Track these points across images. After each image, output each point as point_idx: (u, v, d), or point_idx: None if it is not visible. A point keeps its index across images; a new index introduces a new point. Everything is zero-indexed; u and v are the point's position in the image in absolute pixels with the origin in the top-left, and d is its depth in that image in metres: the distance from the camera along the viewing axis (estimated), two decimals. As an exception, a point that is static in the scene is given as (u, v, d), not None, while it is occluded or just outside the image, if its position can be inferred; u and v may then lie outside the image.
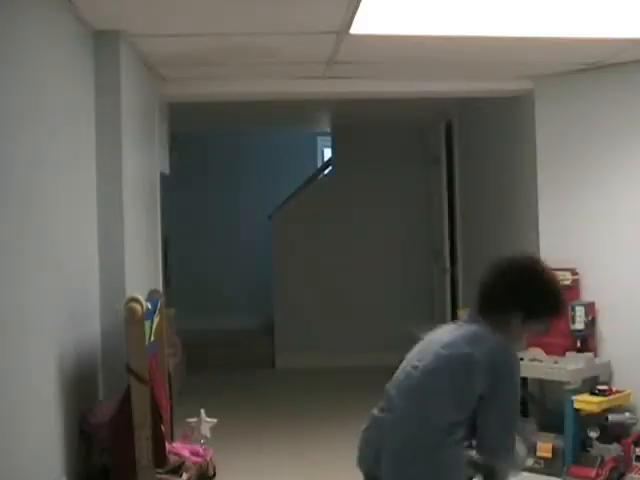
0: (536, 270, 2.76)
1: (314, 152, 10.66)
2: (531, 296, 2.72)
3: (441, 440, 2.62)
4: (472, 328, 2.74)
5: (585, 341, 5.10)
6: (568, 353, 5.08)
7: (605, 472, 4.66)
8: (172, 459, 4.01)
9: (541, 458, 4.93)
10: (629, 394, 4.94)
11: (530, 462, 4.97)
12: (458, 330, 2.77)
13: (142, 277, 4.58)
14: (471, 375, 2.63)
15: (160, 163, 5.54)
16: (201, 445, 4.52)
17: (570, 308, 5.10)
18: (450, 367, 2.66)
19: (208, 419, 4.67)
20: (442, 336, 2.77)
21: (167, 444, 3.87)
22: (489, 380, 2.61)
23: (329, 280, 8.65)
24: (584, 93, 5.29)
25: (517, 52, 4.78)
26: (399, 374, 2.80)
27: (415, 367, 2.73)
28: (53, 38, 3.52)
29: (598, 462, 4.69)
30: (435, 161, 8.05)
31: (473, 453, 2.68)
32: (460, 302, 7.14)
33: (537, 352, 5.24)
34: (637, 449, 4.69)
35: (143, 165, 4.81)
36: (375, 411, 2.83)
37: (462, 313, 6.30)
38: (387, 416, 2.75)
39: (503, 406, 2.64)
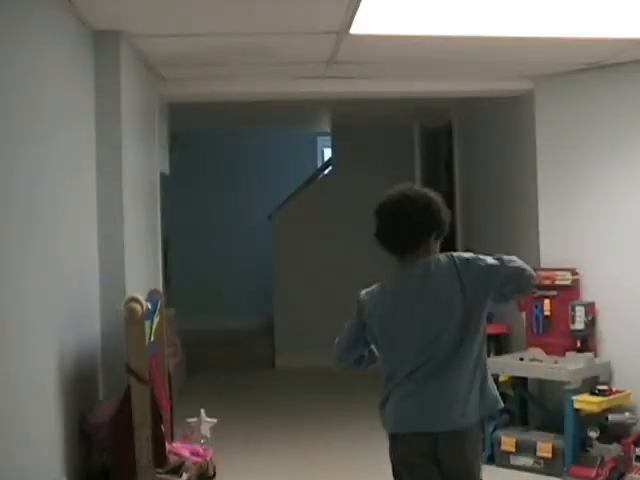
0: (427, 193, 2.93)
1: (314, 152, 10.65)
2: (438, 215, 2.89)
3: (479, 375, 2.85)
4: (419, 269, 2.87)
5: (585, 341, 5.10)
6: (568, 353, 5.09)
7: (605, 472, 4.66)
8: (172, 459, 4.01)
9: (541, 458, 4.93)
10: (629, 394, 4.94)
11: (530, 462, 4.98)
12: (417, 279, 2.87)
13: (142, 277, 4.58)
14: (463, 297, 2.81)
15: (160, 163, 5.54)
16: (201, 445, 4.52)
17: (570, 308, 5.11)
18: (458, 314, 2.80)
19: (208, 419, 4.67)
20: (420, 297, 2.85)
21: (167, 444, 3.87)
22: (474, 281, 2.82)
23: (329, 280, 8.65)
24: (584, 93, 5.30)
25: (517, 52, 4.78)
26: (410, 347, 2.84)
27: (434, 338, 2.81)
28: (53, 38, 3.52)
29: (598, 462, 4.69)
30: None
31: None
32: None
33: (537, 352, 5.24)
34: (637, 449, 4.69)
35: (143, 165, 4.81)
36: (408, 385, 2.85)
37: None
38: (432, 384, 2.81)
39: (492, 266, 2.83)
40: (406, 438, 2.85)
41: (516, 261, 2.85)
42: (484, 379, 2.86)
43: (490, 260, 2.84)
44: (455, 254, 2.88)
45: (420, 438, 2.83)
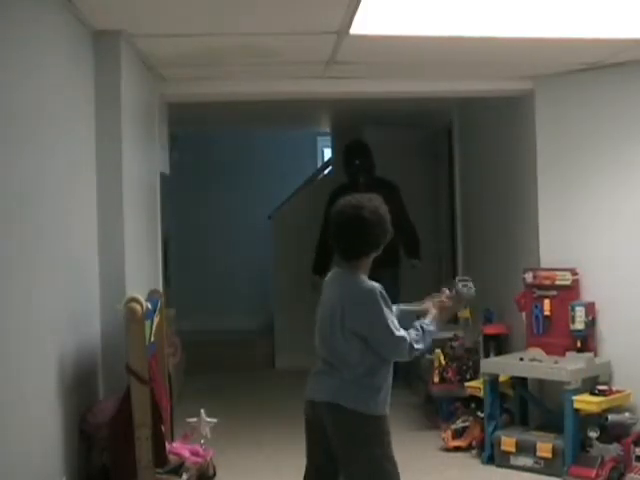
0: (356, 214, 3.17)
1: (314, 152, 10.66)
2: (368, 237, 3.20)
3: None
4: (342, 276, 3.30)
5: (585, 341, 5.10)
6: (568, 353, 5.08)
7: (605, 472, 4.66)
8: (172, 459, 4.01)
9: (541, 458, 4.93)
10: (629, 394, 4.94)
11: (530, 462, 4.98)
12: (337, 283, 3.31)
13: (142, 277, 4.58)
14: None
15: (160, 163, 5.54)
16: (201, 445, 4.52)
17: (570, 308, 5.11)
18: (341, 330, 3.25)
19: (208, 419, 4.67)
20: (330, 298, 3.30)
21: (167, 444, 3.87)
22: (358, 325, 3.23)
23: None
24: (584, 93, 5.30)
25: (517, 52, 4.78)
26: None
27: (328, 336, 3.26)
28: (53, 38, 3.52)
29: (598, 462, 4.69)
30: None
31: None
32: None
33: (537, 352, 5.24)
34: (637, 449, 4.69)
35: (143, 165, 4.81)
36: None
37: (463, 313, 6.30)
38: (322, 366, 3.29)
39: None
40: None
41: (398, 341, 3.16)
42: (356, 381, 3.17)
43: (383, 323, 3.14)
44: (381, 292, 3.16)
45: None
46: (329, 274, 3.38)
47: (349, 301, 3.18)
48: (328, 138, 9.74)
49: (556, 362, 5.00)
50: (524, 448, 5.01)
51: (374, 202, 3.22)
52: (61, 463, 3.48)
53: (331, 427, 3.20)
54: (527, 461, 4.99)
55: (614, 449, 4.73)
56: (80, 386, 3.72)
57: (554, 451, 4.87)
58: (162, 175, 5.63)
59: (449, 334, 6.12)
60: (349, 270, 3.25)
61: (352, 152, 7.37)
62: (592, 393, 4.83)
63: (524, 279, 5.39)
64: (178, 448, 4.25)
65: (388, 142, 8.57)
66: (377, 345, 3.16)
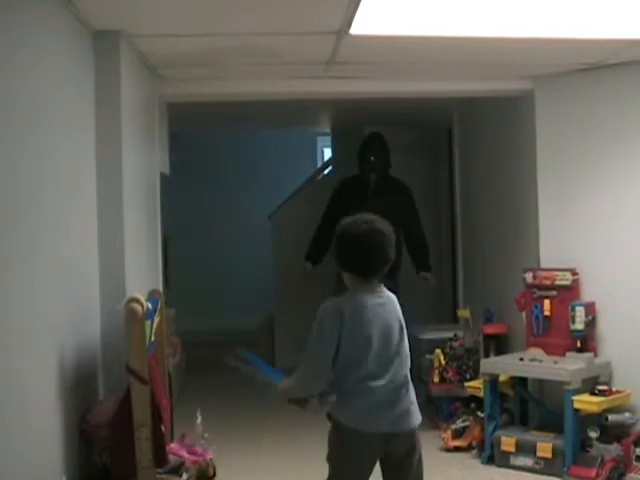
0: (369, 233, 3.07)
1: (314, 152, 10.67)
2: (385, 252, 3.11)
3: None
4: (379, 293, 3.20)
5: (585, 341, 5.10)
6: (568, 353, 5.08)
7: (605, 472, 4.66)
8: (172, 459, 4.01)
9: (541, 458, 4.93)
10: (629, 394, 4.94)
11: (530, 462, 4.98)
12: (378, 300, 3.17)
13: (142, 277, 4.58)
14: None
15: (160, 163, 5.54)
16: (200, 445, 4.52)
17: (570, 308, 5.11)
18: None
19: (199, 419, 4.66)
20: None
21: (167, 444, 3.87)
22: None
23: (330, 280, 8.64)
24: (584, 93, 5.29)
25: (517, 52, 4.78)
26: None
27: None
28: (53, 38, 3.52)
29: (598, 462, 4.69)
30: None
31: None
32: (460, 302, 7.13)
33: (537, 352, 5.25)
34: (637, 449, 4.69)
35: (143, 165, 4.81)
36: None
37: (463, 313, 6.31)
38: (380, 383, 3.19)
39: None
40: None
41: None
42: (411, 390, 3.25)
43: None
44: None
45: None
46: (357, 300, 3.13)
47: (396, 312, 3.20)
48: (328, 138, 9.75)
49: (556, 362, 5.00)
50: (524, 448, 5.01)
51: (383, 222, 3.13)
52: (61, 463, 3.48)
53: (407, 452, 3.25)
54: (527, 461, 4.99)
55: (614, 449, 4.74)
56: (80, 386, 3.72)
57: (554, 451, 4.87)
58: (162, 175, 5.63)
59: (449, 334, 6.12)
60: (375, 286, 3.15)
61: (369, 148, 7.08)
62: (592, 393, 4.83)
63: (524, 279, 5.39)
64: (177, 448, 4.25)
65: (388, 141, 8.57)
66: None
